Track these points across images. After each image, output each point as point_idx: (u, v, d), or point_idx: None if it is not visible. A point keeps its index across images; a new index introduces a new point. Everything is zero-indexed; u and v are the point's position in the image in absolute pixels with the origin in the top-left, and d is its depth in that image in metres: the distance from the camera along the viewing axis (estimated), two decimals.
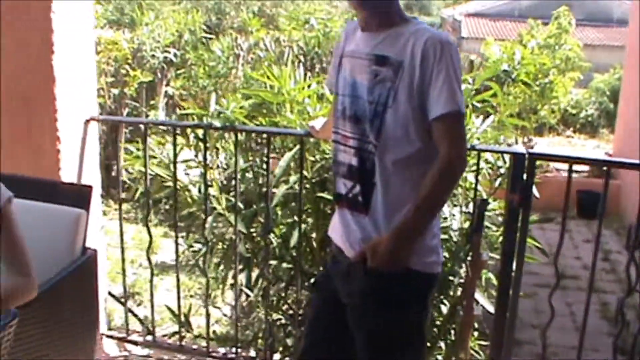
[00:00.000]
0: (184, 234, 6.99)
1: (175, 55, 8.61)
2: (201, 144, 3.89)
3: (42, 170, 3.66)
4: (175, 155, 3.84)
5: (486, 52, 10.12)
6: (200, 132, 3.95)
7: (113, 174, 7.49)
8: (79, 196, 3.03)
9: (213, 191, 4.05)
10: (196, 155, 4.28)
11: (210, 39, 9.71)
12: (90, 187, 3.05)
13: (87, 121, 3.91)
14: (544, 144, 15.53)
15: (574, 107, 18.49)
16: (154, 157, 4.22)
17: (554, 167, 10.99)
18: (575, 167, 3.69)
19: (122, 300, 4.28)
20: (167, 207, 7.92)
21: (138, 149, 4.27)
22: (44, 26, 3.64)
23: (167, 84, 8.72)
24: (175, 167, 3.84)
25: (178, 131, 3.94)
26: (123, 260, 4.12)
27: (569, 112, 18.19)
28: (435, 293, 3.92)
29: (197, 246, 4.63)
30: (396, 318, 2.51)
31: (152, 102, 8.44)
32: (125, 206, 7.77)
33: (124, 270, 4.16)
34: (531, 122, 10.84)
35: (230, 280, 4.32)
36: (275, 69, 4.23)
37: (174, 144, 3.80)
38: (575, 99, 18.41)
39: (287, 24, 10.09)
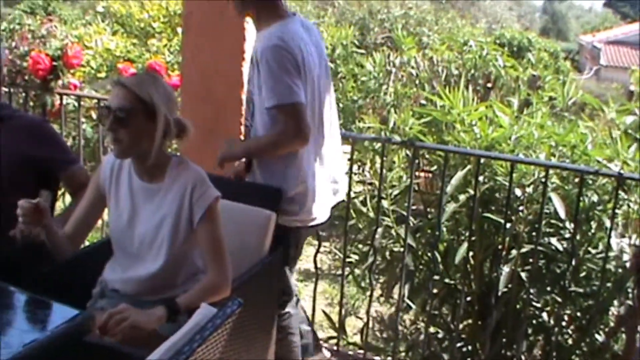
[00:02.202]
0: (326, 243, 7.15)
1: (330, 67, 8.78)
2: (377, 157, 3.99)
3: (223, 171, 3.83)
4: (351, 167, 3.96)
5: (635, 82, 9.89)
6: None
7: None
8: (269, 198, 3.16)
9: (385, 204, 4.15)
10: (361, 169, 4.39)
11: (362, 54, 9.84)
12: (280, 190, 3.18)
13: None
14: None
15: None
16: None
17: None
18: None
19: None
20: None
21: None
22: (237, 34, 3.82)
23: None
24: (350, 179, 3.95)
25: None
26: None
27: None
28: (593, 320, 3.92)
29: (353, 257, 4.75)
30: None
31: None
32: None
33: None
34: None
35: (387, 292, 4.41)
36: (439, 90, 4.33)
37: (352, 156, 3.91)
38: None
39: (439, 44, 10.18)
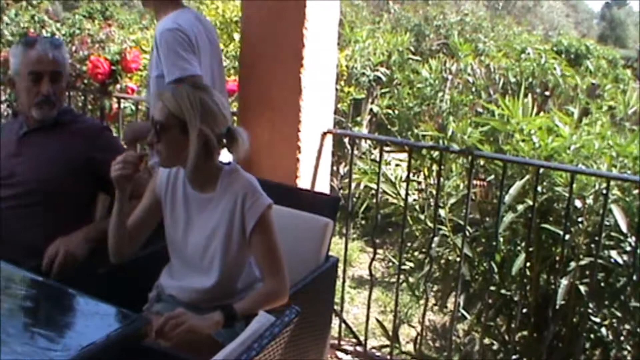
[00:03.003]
0: (380, 250, 7.12)
1: (384, 74, 8.76)
2: (435, 166, 3.96)
3: (280, 177, 3.80)
4: (409, 175, 3.93)
5: None
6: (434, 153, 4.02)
7: None
8: (327, 205, 3.15)
9: (442, 213, 4.11)
10: (417, 176, 4.36)
11: (418, 60, 9.80)
12: (338, 198, 3.18)
13: (324, 133, 4.06)
14: None
15: None
16: (366, 173, 4.33)
17: None
18: None
19: (337, 309, 4.42)
20: (363, 222, 8.07)
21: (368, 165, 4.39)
22: (295, 39, 3.82)
23: (372, 102, 8.87)
24: (408, 186, 3.92)
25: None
26: (344, 271, 4.24)
27: None
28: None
29: (408, 264, 4.72)
30: None
31: (357, 118, 8.61)
32: None
33: (343, 281, 4.30)
34: None
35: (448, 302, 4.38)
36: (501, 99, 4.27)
37: (409, 164, 3.88)
38: None
39: (496, 51, 10.13)
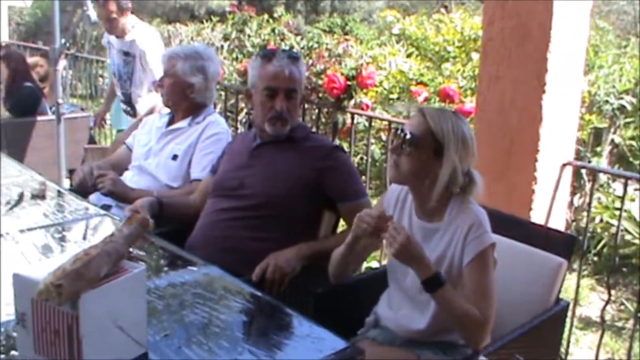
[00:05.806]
0: (612, 291, 6.68)
1: (629, 102, 8.26)
2: None
3: (513, 207, 3.61)
4: None
5: None
6: None
7: None
8: (561, 243, 2.92)
9: None
10: None
11: None
12: (574, 236, 2.94)
13: (564, 165, 3.83)
14: None
15: None
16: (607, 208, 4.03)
17: None
18: None
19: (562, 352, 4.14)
20: (595, 258, 7.62)
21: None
22: (538, 64, 3.63)
23: (615, 132, 8.39)
24: None
25: None
26: (573, 312, 3.97)
27: None
28: None
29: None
30: None
31: (596, 149, 8.17)
32: None
33: (572, 322, 4.02)
34: None
35: None
36: None
37: None
38: None
39: None
